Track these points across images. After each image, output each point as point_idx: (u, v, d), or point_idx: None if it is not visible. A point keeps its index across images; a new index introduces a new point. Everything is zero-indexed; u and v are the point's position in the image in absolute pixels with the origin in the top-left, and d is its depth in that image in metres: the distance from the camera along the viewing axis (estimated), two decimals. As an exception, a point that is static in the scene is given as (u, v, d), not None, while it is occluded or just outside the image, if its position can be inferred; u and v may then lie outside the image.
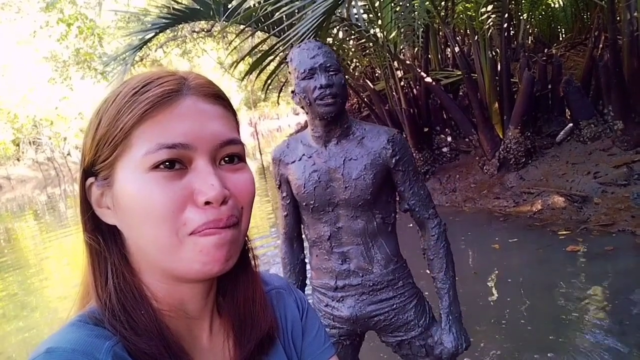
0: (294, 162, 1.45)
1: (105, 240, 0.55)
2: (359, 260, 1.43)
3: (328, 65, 1.33)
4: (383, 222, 1.45)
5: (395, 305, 1.48)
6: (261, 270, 0.68)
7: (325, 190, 1.40)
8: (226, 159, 0.54)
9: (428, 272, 1.53)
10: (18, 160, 27.82)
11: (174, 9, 4.96)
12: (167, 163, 0.49)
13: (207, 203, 0.49)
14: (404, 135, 6.08)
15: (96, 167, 0.53)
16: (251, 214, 0.56)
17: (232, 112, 0.58)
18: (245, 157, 0.57)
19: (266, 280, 0.72)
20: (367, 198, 1.39)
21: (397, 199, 1.50)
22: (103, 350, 0.47)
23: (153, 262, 0.53)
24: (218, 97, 0.55)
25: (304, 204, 1.44)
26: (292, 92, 1.42)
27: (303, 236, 1.60)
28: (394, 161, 1.40)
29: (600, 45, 5.64)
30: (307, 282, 1.64)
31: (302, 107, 1.39)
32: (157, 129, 0.49)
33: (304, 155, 1.43)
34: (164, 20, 5.04)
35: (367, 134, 1.41)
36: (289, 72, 1.42)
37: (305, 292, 1.57)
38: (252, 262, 0.65)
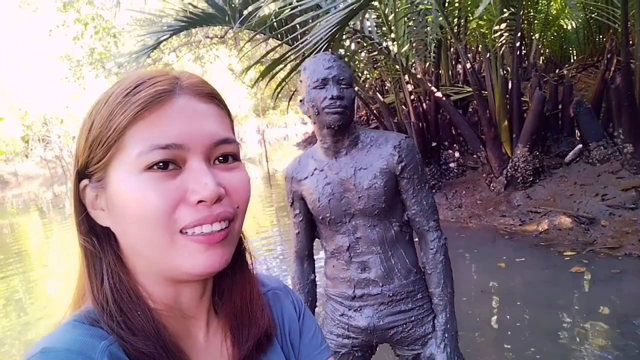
0: (306, 177, 1.44)
1: (99, 242, 0.55)
2: (379, 270, 1.41)
3: (341, 78, 1.33)
4: (400, 230, 1.43)
5: (413, 318, 1.45)
6: (258, 272, 0.68)
7: (340, 201, 1.39)
8: (221, 158, 0.53)
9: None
10: (26, 156, 28.02)
11: (190, 12, 5.01)
12: (160, 164, 0.49)
13: (200, 202, 0.49)
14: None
15: (90, 169, 0.52)
16: (245, 213, 0.56)
17: (226, 111, 0.57)
18: (240, 156, 0.56)
19: (263, 282, 0.72)
20: (381, 206, 1.37)
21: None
22: (98, 350, 0.47)
23: (148, 263, 0.53)
24: (212, 96, 0.55)
25: (320, 217, 1.43)
26: (301, 100, 1.41)
27: (321, 247, 1.57)
28: (399, 168, 1.37)
29: (612, 68, 5.63)
30: (323, 291, 1.61)
31: (309, 117, 1.39)
32: (150, 130, 0.49)
33: (315, 169, 1.43)
34: (180, 23, 5.09)
35: (375, 142, 1.40)
36: (300, 81, 1.41)
37: (315, 312, 1.56)
38: (249, 263, 0.65)
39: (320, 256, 1.59)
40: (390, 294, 1.42)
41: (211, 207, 0.49)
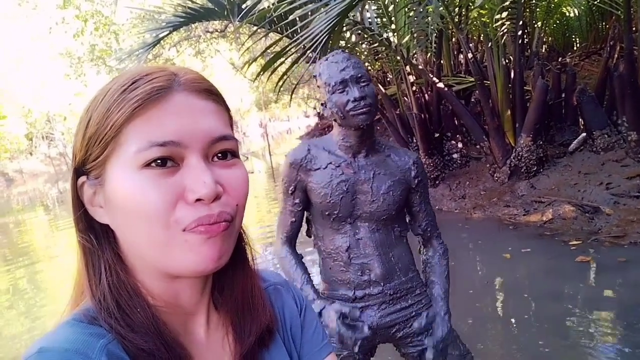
0: (318, 169, 1.40)
1: (98, 239, 0.54)
2: (379, 270, 1.42)
3: (359, 76, 1.31)
4: (400, 234, 1.48)
5: (413, 313, 1.48)
6: (259, 267, 0.68)
7: (351, 201, 1.39)
8: (219, 154, 0.53)
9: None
10: (31, 154, 28.16)
11: (189, 7, 4.99)
12: (158, 161, 0.48)
13: (198, 200, 0.49)
14: (415, 140, 6.09)
15: (87, 166, 0.52)
16: (244, 210, 0.56)
17: (225, 107, 0.57)
18: (238, 152, 0.56)
19: (264, 277, 0.71)
20: (391, 213, 1.41)
21: (408, 219, 1.55)
22: (97, 348, 0.46)
23: (146, 260, 0.52)
24: (210, 92, 0.54)
25: (327, 213, 1.42)
26: (322, 104, 1.40)
27: (315, 248, 1.58)
28: (416, 182, 1.44)
29: (616, 56, 5.58)
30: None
31: (335, 120, 1.37)
32: (148, 127, 0.49)
33: (330, 163, 1.40)
34: (179, 19, 5.07)
35: (392, 152, 1.45)
36: (318, 86, 1.40)
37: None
38: (250, 258, 0.65)
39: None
40: (391, 292, 1.45)
41: (210, 206, 0.49)
